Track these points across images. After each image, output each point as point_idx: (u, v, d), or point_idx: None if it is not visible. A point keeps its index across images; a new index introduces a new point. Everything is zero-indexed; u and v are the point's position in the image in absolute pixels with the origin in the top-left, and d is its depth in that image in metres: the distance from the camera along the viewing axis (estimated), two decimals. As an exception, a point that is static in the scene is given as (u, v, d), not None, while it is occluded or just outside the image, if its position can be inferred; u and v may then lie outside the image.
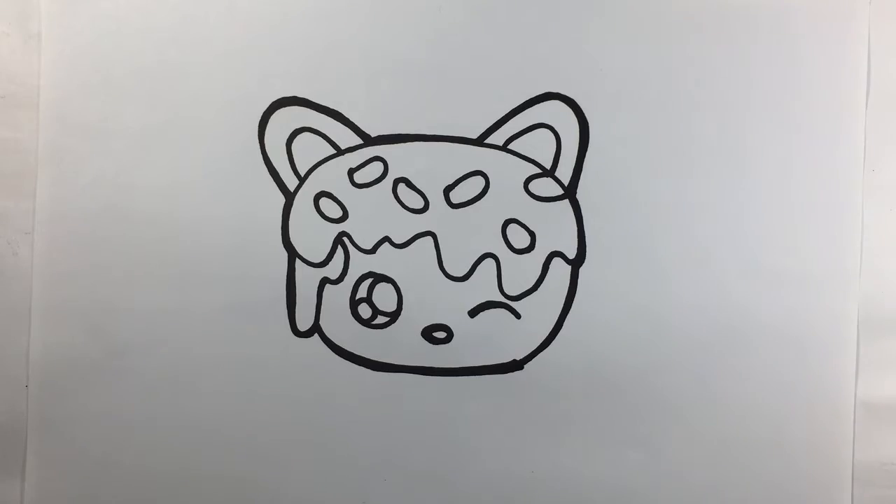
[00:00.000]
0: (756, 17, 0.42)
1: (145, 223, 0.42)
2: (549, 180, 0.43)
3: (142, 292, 0.43)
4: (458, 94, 0.42)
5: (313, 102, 0.42)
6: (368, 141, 0.42)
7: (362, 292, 0.43)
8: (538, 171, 0.43)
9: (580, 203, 0.43)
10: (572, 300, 0.43)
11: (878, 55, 0.43)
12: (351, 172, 0.43)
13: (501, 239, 0.43)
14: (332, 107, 0.42)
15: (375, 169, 0.42)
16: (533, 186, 0.43)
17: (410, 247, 0.43)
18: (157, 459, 0.43)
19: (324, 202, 0.43)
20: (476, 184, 0.43)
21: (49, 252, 0.42)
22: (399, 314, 0.43)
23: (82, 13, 0.42)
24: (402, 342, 0.43)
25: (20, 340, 0.43)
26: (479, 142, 0.42)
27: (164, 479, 0.44)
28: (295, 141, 0.42)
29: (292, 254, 0.43)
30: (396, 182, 0.43)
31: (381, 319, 0.43)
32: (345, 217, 0.43)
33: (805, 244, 0.43)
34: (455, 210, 0.43)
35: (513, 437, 0.43)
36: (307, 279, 0.43)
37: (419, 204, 0.43)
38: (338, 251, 0.43)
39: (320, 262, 0.43)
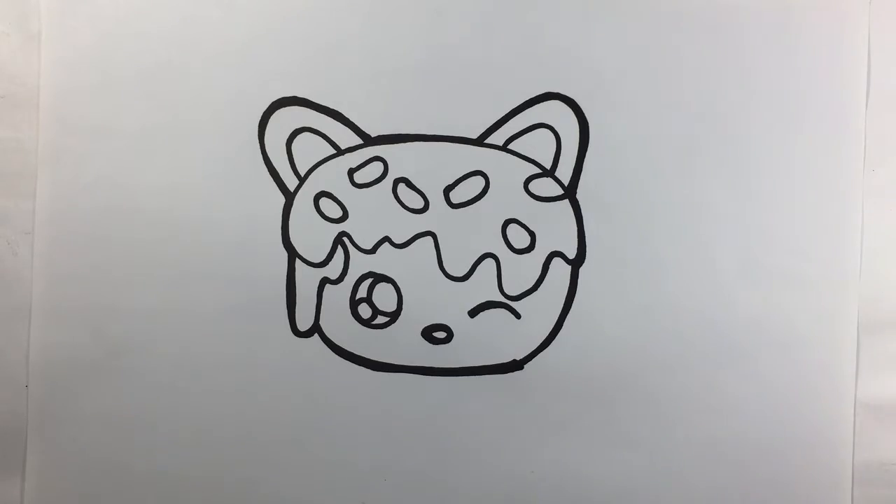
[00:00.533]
0: (756, 17, 0.42)
1: (145, 223, 0.42)
2: (549, 180, 0.43)
3: (142, 292, 0.43)
4: (458, 95, 0.42)
5: (313, 102, 0.42)
6: (368, 141, 0.42)
7: (362, 292, 0.43)
8: (538, 171, 0.43)
9: (580, 203, 0.43)
10: (572, 300, 0.43)
11: (878, 55, 0.43)
12: (351, 172, 0.43)
13: (501, 239, 0.43)
14: (332, 107, 0.42)
15: (375, 169, 0.42)
16: (533, 186, 0.43)
17: (410, 247, 0.43)
18: (157, 459, 0.43)
19: (324, 202, 0.43)
20: (476, 184, 0.43)
21: (49, 252, 0.42)
22: (399, 314, 0.43)
23: (82, 13, 0.42)
24: (402, 342, 0.43)
25: (20, 340, 0.43)
26: (479, 142, 0.42)
27: (163, 478, 0.44)
28: (295, 141, 0.42)
29: (292, 254, 0.43)
30: (396, 182, 0.43)
31: (381, 319, 0.43)
32: (345, 217, 0.43)
33: (805, 244, 0.43)
34: (455, 210, 0.43)
35: (513, 437, 0.43)
36: (307, 279, 0.43)
37: (419, 204, 0.43)
38: (338, 251, 0.43)
39: (320, 262, 0.43)
